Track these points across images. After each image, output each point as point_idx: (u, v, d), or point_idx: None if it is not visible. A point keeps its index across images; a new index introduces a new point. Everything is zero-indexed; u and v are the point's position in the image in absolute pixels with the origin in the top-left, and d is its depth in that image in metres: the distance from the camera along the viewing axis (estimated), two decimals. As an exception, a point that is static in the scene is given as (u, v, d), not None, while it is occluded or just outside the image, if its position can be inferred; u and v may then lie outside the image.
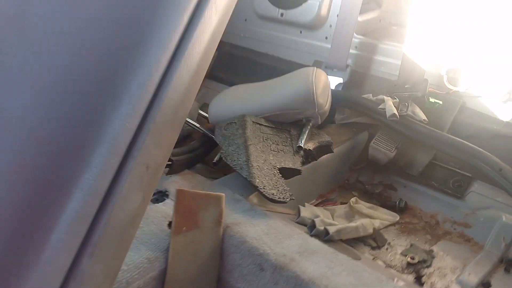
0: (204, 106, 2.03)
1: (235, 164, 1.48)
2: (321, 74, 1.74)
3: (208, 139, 1.78)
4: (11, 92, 0.60)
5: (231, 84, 2.48)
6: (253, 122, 1.65)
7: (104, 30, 0.61)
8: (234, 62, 2.57)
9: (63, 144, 0.59)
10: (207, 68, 0.71)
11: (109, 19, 0.62)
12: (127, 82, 0.61)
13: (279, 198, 1.38)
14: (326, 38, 2.21)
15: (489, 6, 1.74)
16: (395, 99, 1.79)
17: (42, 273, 0.59)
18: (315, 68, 1.77)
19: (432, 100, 1.76)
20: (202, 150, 1.79)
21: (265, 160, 1.50)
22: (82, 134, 0.60)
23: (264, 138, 1.61)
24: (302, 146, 1.60)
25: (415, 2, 2.09)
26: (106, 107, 0.60)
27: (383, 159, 1.79)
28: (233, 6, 0.72)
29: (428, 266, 1.42)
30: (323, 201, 1.77)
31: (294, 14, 2.29)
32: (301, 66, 2.28)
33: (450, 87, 1.71)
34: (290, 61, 2.35)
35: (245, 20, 2.51)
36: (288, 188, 1.42)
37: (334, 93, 1.85)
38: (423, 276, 1.37)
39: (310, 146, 1.65)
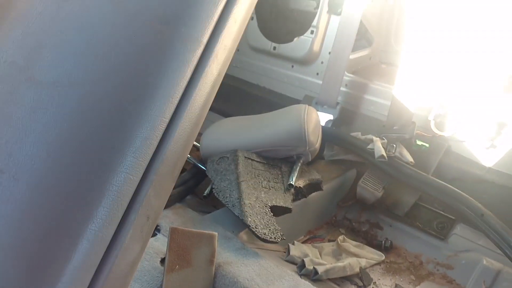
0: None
1: (227, 201, 1.50)
2: (312, 112, 1.79)
3: (198, 170, 1.80)
4: (20, 141, 0.61)
5: (222, 113, 2.52)
6: (245, 157, 1.67)
7: (111, 84, 0.64)
8: (225, 91, 2.59)
9: (70, 195, 0.61)
10: (205, 116, 0.74)
11: (116, 73, 0.64)
12: (132, 136, 0.63)
13: (270, 238, 1.40)
14: (318, 74, 2.27)
15: (475, 51, 1.81)
16: (384, 139, 1.84)
17: None
18: (307, 106, 1.82)
19: (419, 142, 1.82)
20: (192, 182, 1.81)
21: (257, 197, 1.53)
22: (88, 186, 0.62)
23: (256, 174, 1.64)
24: (293, 184, 1.63)
25: (404, 43, 2.17)
26: (112, 159, 0.62)
27: (370, 199, 1.84)
28: (232, 57, 0.76)
29: (412, 309, 1.45)
30: (311, 238, 1.80)
31: (287, 48, 2.34)
32: (292, 99, 2.34)
33: (437, 131, 1.78)
34: (281, 94, 2.40)
35: (238, 50, 2.56)
36: (279, 228, 1.44)
37: (324, 129, 1.90)
38: (407, 318, 1.40)
39: (301, 183, 1.68)
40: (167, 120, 0.66)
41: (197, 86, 0.69)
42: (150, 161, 0.65)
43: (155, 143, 0.65)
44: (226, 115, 2.53)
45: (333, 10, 2.19)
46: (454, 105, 1.80)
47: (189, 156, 1.83)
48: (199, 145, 1.87)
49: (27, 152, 0.61)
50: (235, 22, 0.78)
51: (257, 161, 1.69)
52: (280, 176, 1.69)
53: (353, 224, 1.87)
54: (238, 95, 2.54)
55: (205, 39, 0.70)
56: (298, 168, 1.70)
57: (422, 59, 1.87)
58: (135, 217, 0.64)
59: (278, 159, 1.75)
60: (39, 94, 0.63)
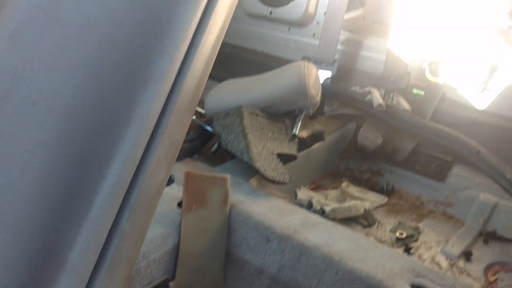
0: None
1: (235, 150, 1.58)
2: (312, 68, 1.86)
3: (203, 131, 1.88)
4: (51, 73, 0.69)
5: (221, 80, 2.59)
6: (249, 112, 1.75)
7: (133, 16, 0.71)
8: (224, 59, 2.65)
9: (100, 121, 0.69)
10: (214, 59, 0.81)
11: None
12: (152, 68, 0.70)
13: (279, 179, 1.48)
14: (314, 34, 2.33)
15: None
16: (381, 90, 1.92)
17: (90, 229, 0.68)
18: (306, 62, 1.89)
19: (415, 91, 1.90)
20: (199, 142, 1.88)
21: (263, 146, 1.60)
22: (116, 112, 0.69)
23: (261, 127, 1.71)
24: (297, 134, 1.71)
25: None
26: (136, 88, 0.70)
27: (370, 147, 1.92)
28: (229, 21, 0.83)
29: (415, 241, 1.55)
30: (315, 187, 1.88)
31: (283, 12, 2.40)
32: (290, 62, 2.40)
33: (431, 78, 1.85)
34: (279, 58, 2.46)
35: (234, 18, 2.61)
36: (287, 171, 1.52)
37: (324, 86, 1.97)
38: (411, 249, 1.49)
39: (304, 134, 1.76)
40: (182, 56, 0.73)
41: (194, 57, 0.75)
42: (169, 92, 0.72)
43: (173, 76, 0.72)
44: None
45: (326, -29, 2.24)
46: (447, 52, 1.87)
47: (194, 117, 1.90)
48: (202, 111, 1.95)
49: (59, 84, 0.69)
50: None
51: (261, 116, 1.77)
52: (284, 128, 1.77)
53: (355, 173, 1.96)
54: (237, 62, 2.60)
55: (199, 14, 0.76)
56: (300, 120, 1.77)
57: (415, 10, 1.94)
58: (160, 142, 0.72)
59: (281, 114, 1.83)
60: (64, 33, 0.70)
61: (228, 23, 0.82)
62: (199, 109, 2.03)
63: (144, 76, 0.70)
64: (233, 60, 2.62)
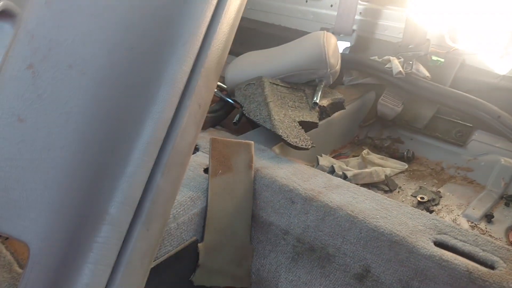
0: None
1: (258, 119, 1.61)
2: (330, 37, 1.87)
3: (225, 103, 1.91)
4: (84, 39, 0.73)
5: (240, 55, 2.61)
6: (270, 82, 1.77)
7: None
8: (242, 33, 2.66)
9: (131, 87, 0.73)
10: (237, 24, 0.84)
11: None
12: (180, 32, 0.74)
13: (301, 145, 1.51)
14: (332, 6, 2.33)
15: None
16: (400, 58, 1.92)
17: (127, 184, 0.73)
18: (325, 31, 1.90)
19: (434, 58, 1.90)
20: (221, 113, 1.92)
21: (285, 114, 1.63)
22: (148, 76, 0.73)
23: (282, 96, 1.74)
24: (317, 102, 1.73)
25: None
26: (165, 52, 0.73)
27: (391, 114, 1.93)
28: None
29: (436, 204, 1.57)
30: (336, 156, 1.91)
31: (300, -16, 2.40)
32: (308, 34, 2.42)
33: (452, 44, 1.85)
34: (296, 30, 2.47)
35: (251, -8, 2.62)
36: (309, 137, 1.55)
37: (343, 56, 1.98)
38: (432, 212, 1.52)
39: (324, 103, 1.78)
40: (208, 21, 0.76)
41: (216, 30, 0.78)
42: (197, 55, 0.76)
43: (200, 39, 0.75)
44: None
45: None
46: (466, 18, 1.86)
47: (216, 90, 1.94)
48: (223, 85, 1.98)
49: (93, 48, 0.72)
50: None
51: (281, 86, 1.79)
52: (304, 97, 1.80)
53: (375, 141, 1.98)
54: (256, 36, 2.62)
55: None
56: (321, 89, 1.79)
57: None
58: (189, 103, 0.75)
59: (301, 83, 1.85)
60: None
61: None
62: (220, 84, 2.06)
63: (172, 40, 0.74)
64: (252, 35, 2.63)
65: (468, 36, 1.87)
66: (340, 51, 2.15)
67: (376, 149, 1.95)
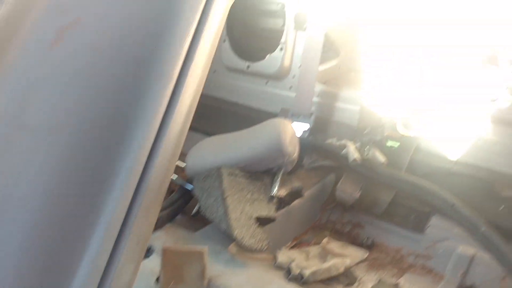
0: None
1: (214, 217, 1.60)
2: (287, 125, 1.90)
3: (185, 191, 1.90)
4: (16, 182, 0.71)
5: (204, 132, 2.62)
6: (228, 173, 1.78)
7: (94, 124, 0.74)
8: (205, 111, 2.71)
9: (64, 232, 0.71)
10: (183, 141, 0.84)
11: (98, 113, 0.74)
12: (117, 168, 0.73)
13: (256, 247, 1.50)
14: (291, 87, 2.39)
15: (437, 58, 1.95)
16: (357, 143, 1.96)
17: None
18: (282, 119, 1.94)
19: (389, 143, 1.94)
20: (181, 202, 1.90)
21: (242, 210, 1.63)
22: (81, 221, 0.70)
23: (240, 188, 1.74)
24: (275, 195, 1.74)
25: (369, 51, 2.30)
26: (101, 192, 0.72)
27: (349, 201, 1.95)
28: (202, 84, 0.87)
29: (395, 300, 1.56)
30: (298, 243, 1.90)
31: (259, 66, 2.46)
32: (269, 114, 2.45)
33: (404, 132, 1.90)
34: (259, 110, 2.51)
35: (214, 71, 2.67)
36: (265, 237, 1.54)
37: (301, 139, 2.01)
38: (391, 309, 1.51)
39: (282, 193, 1.79)
40: (148, 150, 0.76)
41: (172, 117, 0.79)
42: (136, 189, 0.75)
43: (139, 172, 0.75)
44: (208, 134, 2.63)
45: (299, 26, 2.31)
46: (418, 105, 1.93)
47: (176, 176, 1.93)
48: (183, 164, 1.97)
49: (24, 192, 0.71)
50: (202, 55, 0.89)
51: (240, 176, 1.80)
52: (263, 187, 1.80)
53: (337, 226, 1.98)
54: (219, 114, 2.65)
55: (175, 74, 0.81)
56: (279, 178, 1.80)
57: (384, 64, 2.00)
58: (126, 243, 0.74)
59: (260, 171, 1.86)
60: (30, 139, 0.73)
61: (193, 111, 0.85)
62: (180, 163, 2.05)
63: (109, 177, 0.72)
64: (214, 112, 2.66)
65: (421, 121, 1.93)
66: (300, 133, 2.20)
67: (338, 233, 1.95)
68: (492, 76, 1.88)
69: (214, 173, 1.77)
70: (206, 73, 0.90)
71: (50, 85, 0.73)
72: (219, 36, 0.90)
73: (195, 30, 0.82)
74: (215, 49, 0.87)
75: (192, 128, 2.34)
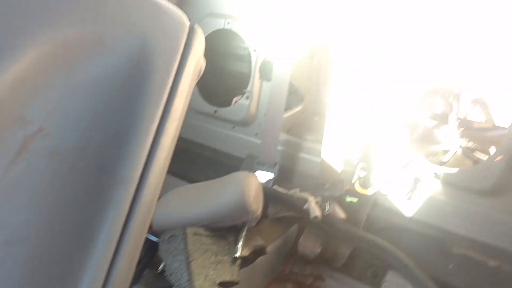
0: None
1: (178, 284, 1.66)
2: (251, 180, 1.97)
3: (152, 244, 1.94)
4: None
5: (173, 173, 2.67)
6: (194, 234, 1.83)
7: (57, 234, 0.78)
8: (175, 152, 2.75)
9: None
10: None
11: (62, 222, 0.79)
12: (81, 275, 0.78)
13: (218, 317, 1.57)
14: (257, 134, 2.46)
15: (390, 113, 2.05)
16: (318, 198, 2.05)
17: None
18: (247, 174, 2.00)
19: (348, 199, 2.03)
20: (147, 258, 1.95)
21: (206, 276, 1.69)
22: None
23: (204, 250, 1.80)
24: (238, 256, 1.80)
25: (330, 99, 2.39)
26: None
27: (310, 255, 2.03)
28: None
29: None
30: (261, 297, 1.98)
31: (227, 111, 2.52)
32: (236, 158, 2.52)
33: (361, 191, 1.99)
34: (226, 153, 2.58)
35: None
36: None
37: (266, 189, 2.08)
38: None
39: (246, 252, 1.85)
40: (109, 260, 0.82)
41: (134, 219, 0.85)
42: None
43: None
44: (177, 174, 2.68)
45: (264, 77, 2.38)
46: (374, 164, 2.02)
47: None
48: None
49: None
50: (164, 151, 0.95)
51: (205, 235, 1.85)
52: (227, 247, 1.86)
53: (299, 278, 2.07)
54: (188, 155, 2.70)
55: (137, 175, 0.86)
56: (242, 238, 1.87)
57: (343, 119, 2.08)
58: None
59: (225, 228, 1.92)
60: None
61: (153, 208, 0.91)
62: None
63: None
64: (184, 154, 2.71)
65: (377, 181, 2.02)
66: (265, 181, 2.27)
67: (300, 286, 2.03)
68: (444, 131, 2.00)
69: (179, 234, 1.82)
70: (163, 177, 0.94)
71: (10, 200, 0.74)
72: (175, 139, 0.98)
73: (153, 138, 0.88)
74: (171, 153, 0.96)
75: None
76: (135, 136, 0.86)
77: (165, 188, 2.15)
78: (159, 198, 1.68)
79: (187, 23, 0.97)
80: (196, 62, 1.07)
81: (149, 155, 0.85)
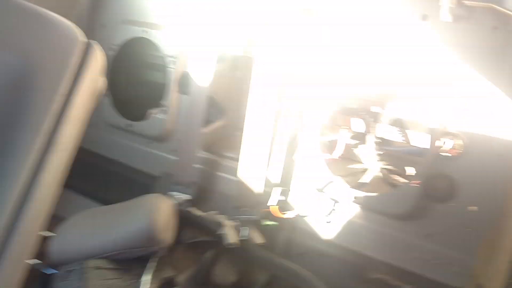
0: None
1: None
2: (163, 204, 1.83)
3: (46, 279, 1.75)
4: None
5: (81, 191, 2.47)
6: (95, 267, 1.66)
7: None
8: (84, 168, 2.52)
9: None
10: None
11: None
12: None
13: None
14: (173, 151, 2.30)
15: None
16: (235, 221, 1.93)
17: None
18: (158, 196, 1.86)
19: (267, 222, 1.94)
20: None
21: (106, 318, 1.52)
22: None
23: (107, 286, 1.63)
24: (144, 292, 1.65)
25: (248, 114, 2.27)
26: None
27: (225, 283, 1.92)
28: None
29: None
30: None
31: (142, 126, 2.35)
32: (150, 176, 2.36)
33: (280, 215, 1.90)
34: (140, 170, 2.40)
35: (94, 125, 2.51)
36: None
37: (181, 212, 1.95)
38: None
39: (153, 287, 1.70)
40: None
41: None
42: None
43: None
44: (85, 193, 2.48)
45: (182, 90, 2.24)
46: (294, 186, 1.95)
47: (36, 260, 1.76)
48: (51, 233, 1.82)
49: None
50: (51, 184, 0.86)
51: (108, 269, 1.68)
52: (134, 280, 1.70)
53: (214, 306, 1.95)
54: (99, 172, 2.50)
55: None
56: (150, 272, 1.72)
57: (261, 136, 1.99)
58: None
59: (131, 260, 1.76)
60: None
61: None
62: (47, 233, 1.89)
63: None
64: (94, 170, 2.51)
65: (296, 204, 1.95)
66: (180, 204, 2.13)
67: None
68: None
69: (79, 269, 1.64)
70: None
71: None
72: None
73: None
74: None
75: (70, 186, 2.14)
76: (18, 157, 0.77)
77: (72, 210, 1.98)
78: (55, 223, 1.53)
79: (82, 39, 0.94)
80: (92, 81, 1.00)
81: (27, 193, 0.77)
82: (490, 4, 1.42)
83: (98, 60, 0.97)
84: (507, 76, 1.55)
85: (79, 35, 0.93)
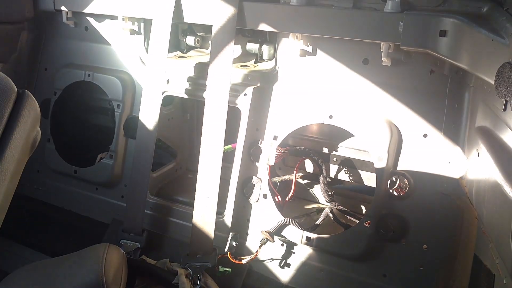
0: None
1: None
2: (113, 254, 1.73)
3: None
4: None
5: (25, 243, 2.33)
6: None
7: None
8: (28, 218, 2.40)
9: None
10: None
11: None
12: None
13: None
14: (122, 197, 2.22)
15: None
16: (189, 270, 1.87)
17: None
18: (106, 246, 1.76)
19: (221, 269, 1.89)
20: None
21: None
22: None
23: None
24: None
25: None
26: None
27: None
28: None
29: None
30: None
31: (89, 172, 2.26)
32: (99, 223, 2.26)
33: (235, 261, 1.86)
34: (88, 218, 2.30)
35: (38, 171, 2.39)
36: None
37: (132, 262, 1.86)
38: None
39: None
40: None
41: None
42: None
43: None
44: (30, 245, 2.35)
45: (129, 134, 2.18)
46: (248, 230, 1.92)
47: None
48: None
49: None
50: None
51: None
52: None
53: None
54: (44, 221, 2.38)
55: None
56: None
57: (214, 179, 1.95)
58: None
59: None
60: None
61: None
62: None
63: None
64: (39, 220, 2.38)
65: (251, 247, 1.92)
66: (130, 252, 2.05)
67: None
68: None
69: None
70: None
71: None
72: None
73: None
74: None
75: (13, 238, 2.01)
76: None
77: (16, 264, 1.85)
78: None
79: (14, 89, 0.92)
80: (25, 131, 0.94)
81: None
82: (426, 50, 1.48)
83: (31, 111, 0.94)
84: (442, 116, 1.61)
85: (11, 85, 0.91)
